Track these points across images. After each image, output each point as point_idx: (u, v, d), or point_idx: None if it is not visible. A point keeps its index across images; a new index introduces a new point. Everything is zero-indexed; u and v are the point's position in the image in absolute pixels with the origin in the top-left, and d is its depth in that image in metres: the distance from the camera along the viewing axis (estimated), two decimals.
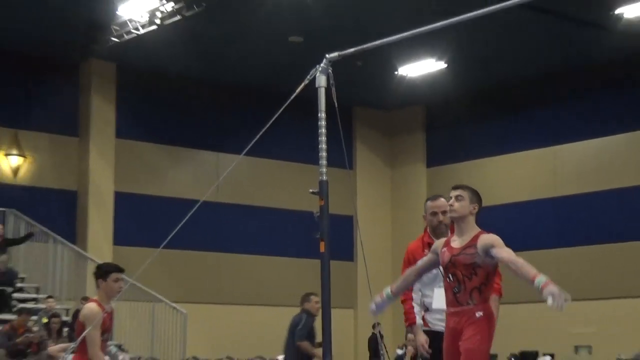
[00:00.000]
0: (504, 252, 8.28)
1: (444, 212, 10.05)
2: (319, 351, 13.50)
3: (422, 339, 9.94)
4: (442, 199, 10.25)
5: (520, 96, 30.83)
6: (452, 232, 9.49)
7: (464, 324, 8.44)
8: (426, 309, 10.26)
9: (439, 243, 9.00)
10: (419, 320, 10.16)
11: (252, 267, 31.28)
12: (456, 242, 8.65)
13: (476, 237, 8.48)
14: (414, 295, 10.25)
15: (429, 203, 10.45)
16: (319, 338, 14.25)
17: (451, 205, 8.79)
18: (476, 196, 8.82)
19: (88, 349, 10.50)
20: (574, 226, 29.78)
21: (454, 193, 8.80)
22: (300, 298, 17.12)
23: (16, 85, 29.31)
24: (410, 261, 10.26)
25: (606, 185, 29.74)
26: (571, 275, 29.24)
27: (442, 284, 9.35)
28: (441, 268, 8.85)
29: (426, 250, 9.89)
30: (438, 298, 9.55)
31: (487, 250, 8.37)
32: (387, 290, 9.03)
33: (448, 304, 8.75)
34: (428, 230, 10.54)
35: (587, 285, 28.56)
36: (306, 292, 16.93)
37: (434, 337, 9.77)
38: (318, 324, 13.96)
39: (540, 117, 31.14)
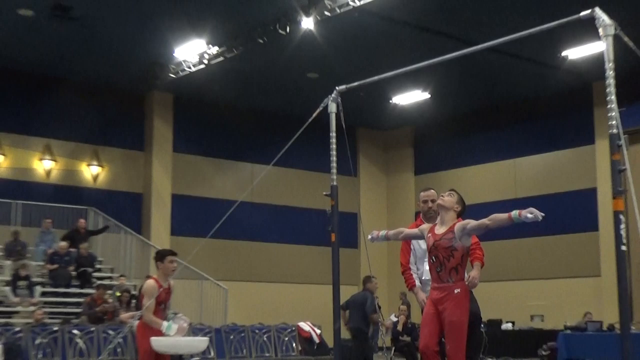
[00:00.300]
0: (475, 222, 8.73)
1: (432, 201, 10.03)
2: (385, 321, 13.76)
3: (422, 296, 9.77)
4: (432, 190, 10.49)
5: (487, 119, 30.78)
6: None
7: (446, 298, 8.67)
8: (419, 280, 10.15)
9: (425, 227, 9.31)
10: (417, 284, 10.12)
11: (277, 252, 31.25)
12: (438, 230, 8.96)
13: (453, 225, 8.84)
14: (411, 266, 10.24)
15: (422, 193, 10.55)
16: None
17: (443, 196, 9.16)
18: (462, 201, 9.24)
19: (143, 314, 11.05)
20: (529, 221, 29.60)
21: (448, 191, 9.28)
22: (363, 279, 17.28)
23: (96, 111, 29.36)
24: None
25: (554, 190, 29.71)
26: (527, 261, 29.40)
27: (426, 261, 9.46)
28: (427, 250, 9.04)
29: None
30: (428, 271, 9.37)
31: (463, 230, 8.75)
32: (384, 232, 9.79)
33: (432, 280, 8.96)
34: (420, 215, 10.54)
35: (540, 268, 28.52)
36: (367, 274, 17.09)
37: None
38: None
39: (503, 136, 31.13)
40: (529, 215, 8.07)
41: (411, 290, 10.36)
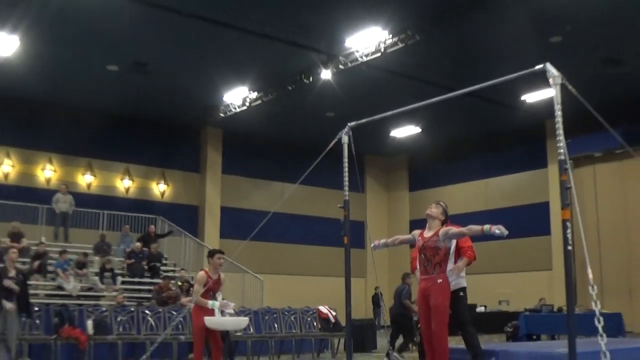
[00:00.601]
0: (456, 229, 8.89)
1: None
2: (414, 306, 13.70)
3: None
4: (434, 207, 9.56)
5: (465, 148, 30.93)
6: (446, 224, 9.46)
7: (431, 287, 8.77)
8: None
9: (416, 232, 9.37)
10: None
11: (302, 252, 31.41)
12: (427, 234, 9.04)
13: (438, 231, 8.92)
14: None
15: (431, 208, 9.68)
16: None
17: (431, 208, 9.16)
18: (446, 212, 9.25)
19: (193, 297, 11.60)
20: (497, 235, 29.57)
21: (435, 204, 9.29)
22: (402, 275, 17.35)
23: (163, 142, 29.56)
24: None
25: (517, 203, 29.83)
26: (496, 258, 29.16)
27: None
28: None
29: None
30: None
31: (445, 234, 8.83)
32: (383, 240, 9.65)
33: (421, 273, 9.04)
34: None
35: (506, 264, 28.55)
36: (406, 272, 17.34)
37: None
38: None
39: (477, 161, 31.29)
40: (497, 231, 8.07)
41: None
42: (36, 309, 16.83)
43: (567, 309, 7.67)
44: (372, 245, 9.60)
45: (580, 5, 18.58)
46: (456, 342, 9.53)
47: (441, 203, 9.32)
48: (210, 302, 10.98)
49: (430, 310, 8.74)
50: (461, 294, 9.54)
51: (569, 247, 7.27)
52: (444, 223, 9.07)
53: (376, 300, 29.21)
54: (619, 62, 22.41)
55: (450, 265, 9.18)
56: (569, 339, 7.07)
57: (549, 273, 26.92)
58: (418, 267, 9.20)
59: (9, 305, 14.24)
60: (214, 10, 19.47)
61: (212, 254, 11.64)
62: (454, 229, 8.85)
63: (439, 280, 8.77)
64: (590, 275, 7.19)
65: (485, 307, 27.72)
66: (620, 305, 23.77)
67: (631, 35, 20.67)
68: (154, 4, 18.96)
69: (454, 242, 9.31)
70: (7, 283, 14.15)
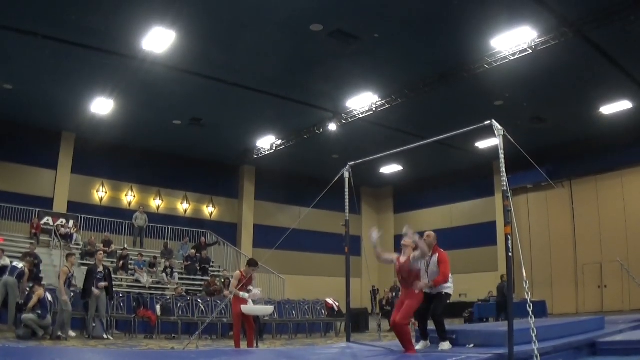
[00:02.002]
0: (417, 253, 8.74)
1: (428, 236, 9.39)
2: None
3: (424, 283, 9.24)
4: (429, 232, 9.59)
5: (435, 182, 30.74)
6: (435, 250, 9.49)
7: (408, 295, 8.77)
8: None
9: (395, 256, 9.22)
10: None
11: (314, 258, 31.11)
12: (402, 259, 8.94)
13: (409, 257, 8.83)
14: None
15: (425, 233, 9.58)
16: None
17: (405, 239, 9.00)
18: (429, 243, 9.18)
19: (230, 289, 11.60)
20: (458, 239, 29.47)
21: (409, 234, 9.01)
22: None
23: (211, 175, 29.55)
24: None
25: (473, 222, 29.66)
26: (458, 263, 28.86)
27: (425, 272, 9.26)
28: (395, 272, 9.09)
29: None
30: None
31: (413, 259, 8.79)
32: (376, 240, 9.23)
33: (401, 287, 9.00)
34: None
35: (466, 267, 28.17)
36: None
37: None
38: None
39: (444, 191, 31.07)
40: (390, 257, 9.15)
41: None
42: (120, 295, 17.25)
43: (507, 299, 7.72)
44: (370, 233, 9.33)
45: (515, 80, 18.69)
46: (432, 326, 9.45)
47: (415, 237, 8.96)
48: (241, 293, 11.16)
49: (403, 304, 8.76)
50: (444, 293, 9.27)
51: (510, 254, 7.34)
52: (415, 249, 8.85)
53: (371, 297, 28.99)
54: (543, 119, 22.54)
55: (425, 280, 9.05)
56: (508, 320, 7.12)
57: (496, 273, 26.69)
58: (399, 282, 9.16)
59: (96, 291, 15.25)
60: (250, 81, 19.64)
61: (251, 264, 11.77)
62: (415, 254, 8.78)
63: (416, 292, 8.78)
64: (524, 274, 7.25)
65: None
66: (544, 294, 24.07)
67: (551, 101, 20.85)
68: (207, 76, 19.14)
69: (434, 260, 9.29)
70: (99, 288, 15.24)
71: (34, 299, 13.91)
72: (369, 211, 34.60)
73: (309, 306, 21.00)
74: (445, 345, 8.90)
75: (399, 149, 9.84)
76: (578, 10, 15.15)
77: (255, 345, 12.17)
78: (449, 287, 9.35)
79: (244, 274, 11.50)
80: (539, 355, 6.73)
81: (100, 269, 15.55)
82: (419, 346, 9.18)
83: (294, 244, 27.80)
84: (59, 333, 13.99)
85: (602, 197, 24.77)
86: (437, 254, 9.42)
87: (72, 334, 14.62)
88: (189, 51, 17.22)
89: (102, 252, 17.19)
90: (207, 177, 29.42)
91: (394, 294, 21.51)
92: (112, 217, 25.20)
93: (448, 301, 9.41)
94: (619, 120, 21.73)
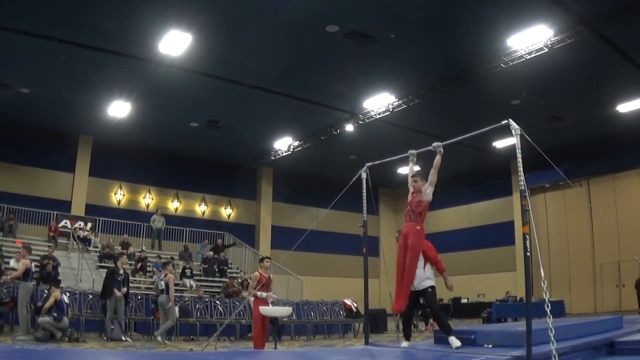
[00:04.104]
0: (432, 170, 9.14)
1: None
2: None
3: (450, 282, 9.73)
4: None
5: (453, 181, 30.31)
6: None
7: (410, 231, 8.65)
8: None
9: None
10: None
11: (332, 259, 31.14)
12: (414, 195, 9.17)
13: (420, 189, 9.16)
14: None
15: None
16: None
17: (413, 184, 9.29)
18: (422, 174, 9.43)
19: (249, 290, 11.54)
20: (475, 239, 29.41)
21: (412, 177, 9.42)
22: None
23: (229, 177, 29.63)
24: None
25: (491, 221, 29.55)
26: (476, 262, 28.95)
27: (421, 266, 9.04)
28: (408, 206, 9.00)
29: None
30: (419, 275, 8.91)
31: (425, 189, 9.12)
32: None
33: (405, 221, 8.87)
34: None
35: (483, 267, 28.26)
36: None
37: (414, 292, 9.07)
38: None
39: (462, 191, 30.85)
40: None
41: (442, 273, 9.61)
42: (139, 297, 17.34)
43: (526, 299, 7.70)
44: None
45: (531, 79, 18.63)
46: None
47: (416, 175, 9.38)
48: (259, 293, 11.13)
49: (407, 248, 8.57)
50: (429, 290, 9.10)
51: (528, 254, 7.30)
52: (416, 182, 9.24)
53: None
54: (560, 118, 22.44)
55: (419, 271, 8.90)
56: (527, 320, 7.08)
57: (514, 273, 26.69)
58: (404, 217, 8.99)
59: (119, 293, 15.41)
60: (267, 83, 19.67)
61: (262, 259, 11.84)
62: (431, 178, 9.12)
63: (417, 227, 8.73)
64: (542, 274, 7.22)
65: (467, 299, 27.49)
66: (562, 294, 23.86)
67: (568, 100, 20.76)
68: (223, 78, 19.19)
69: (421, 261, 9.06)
70: (118, 294, 15.37)
71: (51, 300, 14.00)
72: (386, 212, 34.55)
73: (327, 307, 20.99)
74: (456, 342, 8.51)
75: (416, 151, 9.82)
76: (594, 8, 15.06)
77: (273, 346, 12.19)
78: (430, 280, 9.25)
79: (263, 275, 11.54)
80: (557, 355, 6.70)
81: (121, 271, 15.74)
82: (403, 344, 9.21)
83: (312, 245, 27.76)
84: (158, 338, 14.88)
85: (619, 196, 24.64)
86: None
87: (166, 342, 15.02)
88: (205, 54, 17.29)
89: (125, 256, 17.32)
90: (224, 179, 29.52)
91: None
92: (130, 219, 25.37)
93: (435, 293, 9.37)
94: (636, 118, 21.57)
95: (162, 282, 15.48)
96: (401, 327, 9.64)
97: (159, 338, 14.91)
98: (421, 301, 9.50)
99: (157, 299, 15.69)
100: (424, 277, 9.18)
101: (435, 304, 9.28)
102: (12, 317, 15.14)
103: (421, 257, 9.04)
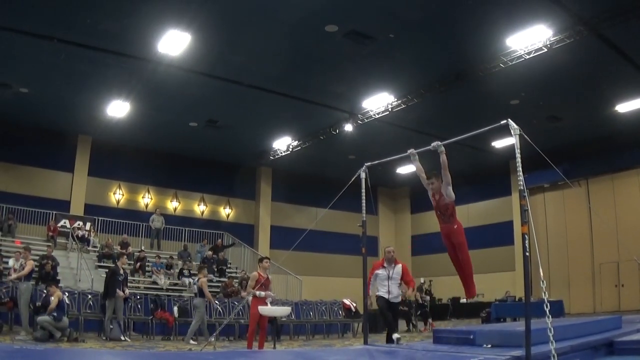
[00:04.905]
0: (443, 170, 9.20)
1: (389, 252, 11.42)
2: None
3: (373, 299, 11.28)
4: (390, 248, 11.58)
5: (452, 181, 30.09)
6: (396, 261, 11.40)
7: (450, 231, 9.06)
8: (377, 289, 11.34)
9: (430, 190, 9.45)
10: (371, 293, 11.19)
11: (331, 259, 31.06)
12: (437, 197, 9.28)
13: (441, 193, 9.26)
14: (371, 285, 11.28)
15: (386, 249, 11.58)
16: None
17: (432, 182, 9.38)
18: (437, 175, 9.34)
19: (247, 289, 11.95)
20: (474, 239, 29.37)
21: (433, 176, 9.39)
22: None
23: (228, 177, 29.59)
24: (373, 268, 11.44)
25: (489, 221, 29.47)
26: (475, 262, 28.81)
27: (384, 283, 11.20)
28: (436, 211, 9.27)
29: (381, 267, 11.38)
30: (380, 288, 11.31)
31: (445, 190, 9.18)
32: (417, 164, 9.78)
33: (440, 223, 9.23)
34: (384, 257, 11.52)
35: (483, 266, 28.00)
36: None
37: (381, 298, 11.28)
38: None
39: (461, 191, 30.20)
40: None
41: (369, 295, 10.99)
42: (137, 297, 17.40)
43: (525, 299, 7.71)
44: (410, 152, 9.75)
45: (530, 79, 18.62)
46: (444, 326, 9.55)
47: (431, 177, 9.51)
48: (257, 292, 11.34)
49: (455, 246, 9.10)
50: (399, 304, 11.56)
51: (527, 253, 7.32)
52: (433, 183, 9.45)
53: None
54: (559, 118, 22.43)
55: (395, 289, 11.19)
56: (526, 320, 7.09)
57: (513, 273, 26.66)
58: (437, 218, 9.34)
59: (122, 293, 15.60)
60: (267, 82, 19.67)
61: (261, 260, 12.17)
62: (446, 179, 9.23)
63: (455, 226, 9.04)
64: (541, 274, 7.23)
65: (466, 299, 27.51)
66: (561, 294, 23.94)
67: (567, 100, 20.76)
68: (222, 78, 19.20)
69: (397, 269, 11.26)
70: (121, 294, 15.58)
71: (55, 301, 14.01)
72: (385, 211, 34.56)
73: (326, 307, 21.01)
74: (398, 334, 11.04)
75: (416, 150, 9.83)
76: (593, 8, 15.06)
77: (272, 346, 12.22)
78: (400, 296, 11.47)
79: (261, 275, 11.59)
80: (556, 355, 6.71)
81: (121, 271, 15.79)
82: (395, 336, 10.92)
83: (311, 245, 27.76)
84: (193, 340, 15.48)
85: (619, 196, 24.65)
86: (400, 265, 11.39)
87: (211, 338, 15.01)
88: (204, 53, 17.28)
89: (125, 257, 17.43)
90: (223, 178, 29.50)
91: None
92: (129, 219, 25.38)
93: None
94: (635, 118, 21.55)
95: (195, 286, 16.50)
96: (387, 329, 11.30)
97: (188, 340, 15.46)
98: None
99: (193, 301, 16.70)
100: (397, 293, 11.24)
101: (397, 317, 11.56)
102: (12, 316, 15.15)
103: (400, 280, 11.23)
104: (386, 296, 11.19)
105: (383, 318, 11.41)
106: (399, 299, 11.43)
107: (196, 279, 16.53)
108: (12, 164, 23.53)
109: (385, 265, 11.43)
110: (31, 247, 17.09)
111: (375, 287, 11.36)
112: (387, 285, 11.20)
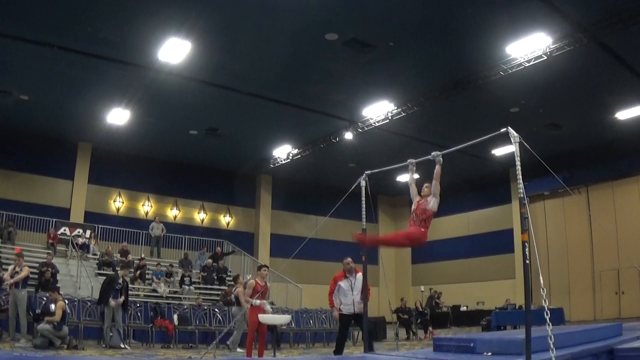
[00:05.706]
0: (435, 182, 9.59)
1: (347, 263, 11.72)
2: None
3: (335, 313, 11.55)
4: (348, 259, 11.84)
5: (452, 190, 30.13)
6: (356, 271, 11.57)
7: (417, 232, 9.26)
8: (340, 302, 11.42)
9: (417, 198, 9.89)
10: (335, 305, 11.49)
11: (331, 267, 30.59)
12: (421, 202, 9.65)
13: (427, 198, 9.67)
14: (334, 297, 11.50)
15: (344, 260, 11.84)
16: None
17: (424, 189, 9.82)
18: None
19: (244, 297, 12.46)
20: (474, 247, 29.40)
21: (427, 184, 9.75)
22: None
23: (228, 185, 29.49)
24: (335, 279, 11.69)
25: (489, 229, 29.42)
26: (475, 270, 28.90)
27: (347, 294, 11.28)
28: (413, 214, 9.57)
29: (343, 278, 11.53)
30: (343, 300, 11.38)
31: (432, 198, 9.57)
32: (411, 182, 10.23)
33: (411, 225, 9.49)
34: (344, 269, 11.71)
35: (483, 275, 28.19)
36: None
37: (344, 316, 11.35)
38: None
39: (461, 199, 30.63)
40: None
41: (331, 307, 11.73)
42: (137, 305, 17.38)
43: (525, 306, 7.70)
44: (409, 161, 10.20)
45: (530, 87, 18.64)
46: (445, 333, 9.55)
47: (429, 183, 9.71)
48: (253, 301, 11.45)
49: (407, 242, 9.74)
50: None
51: (527, 261, 7.31)
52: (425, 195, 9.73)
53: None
54: (558, 126, 22.44)
55: (358, 298, 11.12)
56: (526, 328, 7.09)
57: (513, 281, 26.64)
58: (409, 220, 9.62)
59: (113, 302, 15.42)
60: (267, 90, 19.70)
61: (259, 268, 12.31)
62: (435, 189, 9.62)
63: (422, 229, 9.22)
64: (542, 281, 7.23)
65: (467, 306, 27.40)
66: (561, 301, 23.93)
67: (567, 107, 20.75)
68: (222, 86, 19.23)
69: (359, 278, 11.28)
70: (112, 303, 15.40)
71: (59, 313, 14.00)
72: (385, 219, 34.51)
73: (326, 315, 20.96)
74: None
75: (416, 160, 9.91)
76: (592, 16, 15.08)
77: (272, 354, 12.21)
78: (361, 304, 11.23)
79: (259, 283, 11.60)
80: None
81: (120, 280, 15.74)
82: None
83: (311, 253, 27.77)
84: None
85: (619, 203, 24.63)
86: (360, 273, 11.32)
87: (239, 349, 15.51)
88: (204, 61, 17.32)
89: (128, 270, 17.50)
90: (223, 186, 29.49)
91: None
92: (129, 227, 25.39)
93: None
94: (635, 125, 21.59)
95: (233, 295, 17.13)
96: (366, 339, 10.77)
97: (235, 347, 15.82)
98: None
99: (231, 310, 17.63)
100: (359, 301, 11.12)
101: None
102: (14, 323, 15.08)
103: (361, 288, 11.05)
104: (351, 310, 11.21)
105: (340, 335, 11.45)
106: (361, 307, 11.01)
107: (234, 289, 16.97)
108: (13, 171, 23.56)
109: (347, 275, 11.55)
110: (31, 254, 17.13)
111: (339, 299, 11.45)
112: (352, 296, 11.23)
